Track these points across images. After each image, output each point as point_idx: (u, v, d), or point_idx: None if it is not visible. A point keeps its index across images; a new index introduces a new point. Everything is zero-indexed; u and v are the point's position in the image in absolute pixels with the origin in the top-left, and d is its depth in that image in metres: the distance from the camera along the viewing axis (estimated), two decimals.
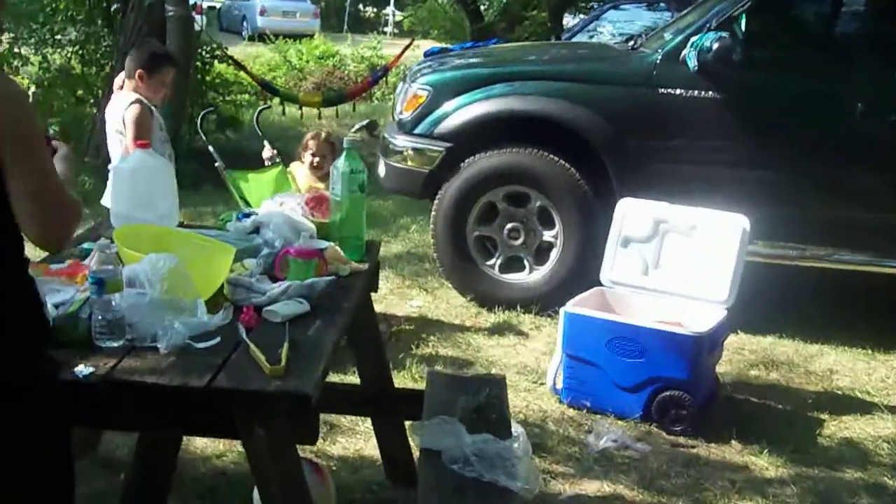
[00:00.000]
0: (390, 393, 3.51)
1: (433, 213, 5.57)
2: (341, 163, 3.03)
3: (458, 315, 5.46)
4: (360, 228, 3.11)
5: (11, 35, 10.02)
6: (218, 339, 2.34)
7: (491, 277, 5.54)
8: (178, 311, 2.37)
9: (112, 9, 9.64)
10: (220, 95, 10.58)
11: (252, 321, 2.47)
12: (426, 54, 6.80)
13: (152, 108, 4.42)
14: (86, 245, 2.96)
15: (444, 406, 3.01)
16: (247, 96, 12.10)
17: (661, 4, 11.60)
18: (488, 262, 5.56)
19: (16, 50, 9.83)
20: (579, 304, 4.38)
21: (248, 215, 3.11)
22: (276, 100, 10.68)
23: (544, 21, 12.63)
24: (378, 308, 3.90)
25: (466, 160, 5.43)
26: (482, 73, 5.73)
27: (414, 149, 5.56)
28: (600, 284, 4.63)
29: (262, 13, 24.75)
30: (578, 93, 5.38)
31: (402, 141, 5.63)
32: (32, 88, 9.56)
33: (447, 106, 5.48)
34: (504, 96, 5.43)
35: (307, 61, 15.52)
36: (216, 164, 5.64)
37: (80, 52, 9.90)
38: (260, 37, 20.31)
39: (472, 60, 6.30)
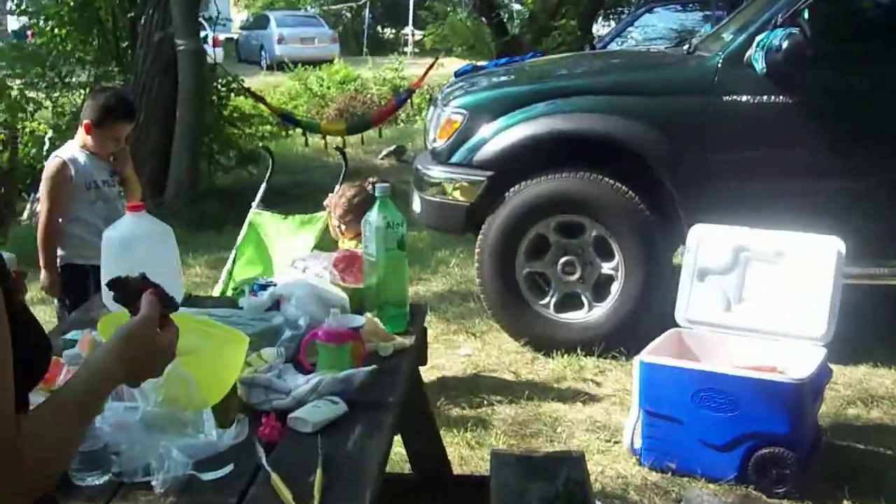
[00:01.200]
0: (449, 481, 2.97)
1: (477, 249, 5.01)
2: (374, 216, 2.50)
3: (512, 363, 4.89)
4: (403, 293, 2.57)
5: (21, 81, 9.73)
6: (231, 466, 1.81)
7: (546, 318, 4.96)
8: (179, 429, 1.87)
9: (122, 46, 9.27)
10: (239, 130, 10.14)
11: (274, 433, 1.95)
12: (457, 74, 6.21)
13: (76, 163, 3.94)
14: (70, 335, 2.44)
15: (516, 498, 2.61)
16: (269, 127, 11.66)
17: (695, 5, 11.01)
18: (542, 301, 4.98)
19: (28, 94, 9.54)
20: (655, 352, 3.81)
21: (264, 287, 2.55)
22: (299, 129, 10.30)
23: (573, 30, 12.07)
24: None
25: (511, 189, 4.87)
26: (521, 90, 5.16)
27: (452, 180, 5.01)
28: (672, 321, 4.07)
29: (280, 41, 24.49)
30: (631, 106, 4.83)
31: (437, 172, 5.07)
32: (49, 133, 9.22)
33: (485, 130, 4.93)
34: (548, 115, 4.87)
35: (328, 87, 15.17)
36: (253, 206, 5.15)
37: None
38: (279, 65, 20.09)
39: (508, 78, 5.72)
